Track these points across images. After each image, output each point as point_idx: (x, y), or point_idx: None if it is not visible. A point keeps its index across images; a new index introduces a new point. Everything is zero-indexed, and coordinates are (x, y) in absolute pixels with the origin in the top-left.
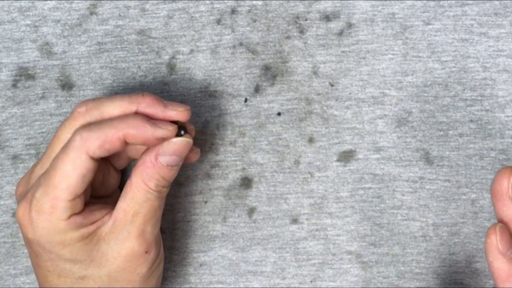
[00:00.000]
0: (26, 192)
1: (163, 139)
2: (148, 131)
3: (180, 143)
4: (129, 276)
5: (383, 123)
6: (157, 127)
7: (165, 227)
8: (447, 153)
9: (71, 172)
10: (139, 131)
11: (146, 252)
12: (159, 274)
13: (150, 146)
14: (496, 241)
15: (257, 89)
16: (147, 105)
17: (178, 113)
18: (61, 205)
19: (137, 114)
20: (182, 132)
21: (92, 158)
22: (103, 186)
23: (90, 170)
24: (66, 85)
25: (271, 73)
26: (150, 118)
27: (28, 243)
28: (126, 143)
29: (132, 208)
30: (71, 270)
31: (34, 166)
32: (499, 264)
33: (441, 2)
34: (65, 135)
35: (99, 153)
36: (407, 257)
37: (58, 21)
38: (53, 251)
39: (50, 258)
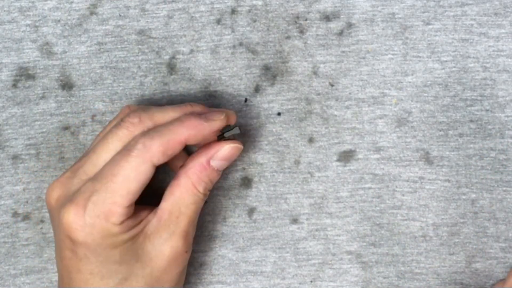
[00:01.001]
0: (62, 198)
1: (218, 131)
2: (206, 128)
3: (232, 149)
4: (169, 276)
5: (383, 123)
6: (211, 120)
7: None
8: (447, 153)
9: (133, 179)
10: (199, 130)
11: (186, 251)
12: (185, 275)
13: (207, 141)
14: None
15: (257, 89)
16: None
17: (222, 121)
18: (119, 211)
19: (187, 114)
20: (238, 131)
21: (154, 165)
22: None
23: (150, 177)
24: (66, 85)
25: (271, 73)
26: (200, 114)
27: (73, 247)
28: (185, 144)
29: (178, 209)
30: (116, 271)
31: (75, 170)
32: None
33: (441, 2)
34: (115, 143)
35: (162, 159)
36: (407, 257)
37: (58, 21)
38: (103, 253)
39: (98, 260)
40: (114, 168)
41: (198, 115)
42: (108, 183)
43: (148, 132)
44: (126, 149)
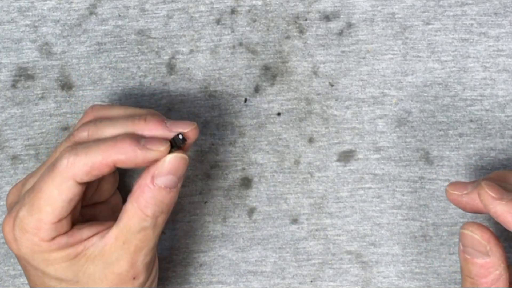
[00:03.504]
0: (13, 203)
1: (155, 161)
2: (138, 156)
3: (174, 161)
4: None
5: (383, 123)
6: (147, 150)
7: (165, 227)
8: (447, 153)
9: (57, 197)
10: (129, 157)
11: (134, 278)
12: None
13: (141, 167)
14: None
15: (257, 89)
16: (149, 131)
17: (185, 133)
18: (45, 227)
19: (126, 135)
20: (180, 137)
21: (79, 183)
22: (98, 193)
23: (76, 194)
24: (66, 85)
25: (271, 73)
26: (141, 137)
27: (16, 256)
28: (115, 166)
29: (124, 236)
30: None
31: (29, 177)
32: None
33: (441, 2)
34: None
35: (86, 179)
36: (407, 257)
37: (58, 21)
38: (38, 268)
39: (36, 274)
40: (39, 183)
41: (137, 138)
42: (34, 199)
43: (76, 148)
44: (53, 164)
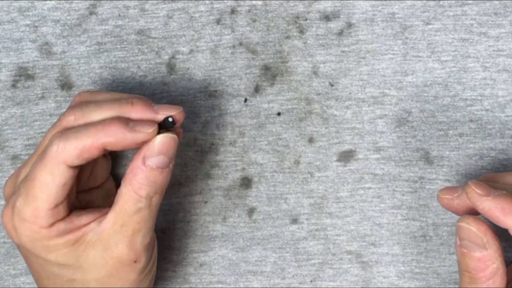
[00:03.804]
0: (10, 194)
1: (144, 143)
2: (127, 138)
3: (164, 141)
4: (117, 282)
5: (383, 123)
6: (136, 132)
7: (165, 227)
8: (447, 153)
9: (50, 183)
10: (118, 139)
11: (135, 261)
12: (151, 278)
13: (131, 149)
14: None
15: (257, 89)
16: (136, 113)
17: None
18: (42, 214)
19: (114, 118)
20: (170, 120)
21: (71, 167)
22: (92, 178)
23: (70, 178)
24: (66, 85)
25: (271, 73)
26: (129, 120)
27: (17, 246)
28: (105, 149)
29: (121, 219)
30: (60, 274)
31: (22, 167)
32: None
33: (441, 2)
34: None
35: (77, 162)
36: (407, 257)
37: (58, 21)
38: (39, 256)
39: (38, 262)
40: (33, 172)
41: (126, 121)
42: (29, 188)
43: (65, 133)
44: (43, 151)
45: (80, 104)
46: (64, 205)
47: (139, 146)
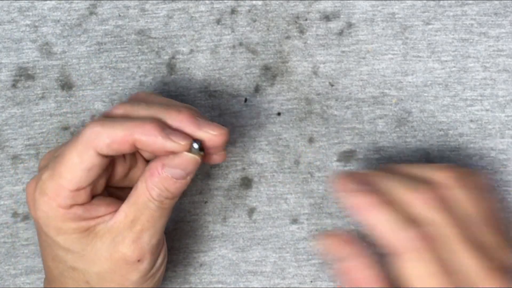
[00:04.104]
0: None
1: (172, 152)
2: (158, 142)
3: (186, 158)
4: (118, 279)
5: (383, 123)
6: (168, 140)
7: (165, 228)
8: (447, 153)
9: (77, 165)
10: (149, 140)
11: (139, 260)
12: (155, 283)
13: (159, 155)
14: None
15: (257, 89)
16: (179, 122)
17: (211, 137)
18: (64, 194)
19: (155, 120)
20: (196, 146)
21: (100, 155)
22: (128, 178)
23: (97, 165)
24: (66, 85)
25: (271, 73)
26: (167, 126)
27: (34, 222)
28: (136, 147)
29: (133, 213)
30: (63, 258)
31: (63, 144)
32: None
33: (441, 2)
34: None
35: (106, 151)
36: None
37: (58, 21)
38: (48, 235)
39: (46, 241)
40: (63, 151)
41: (163, 126)
42: (57, 165)
43: (103, 120)
44: (78, 132)
45: (132, 101)
46: (86, 191)
47: (166, 154)
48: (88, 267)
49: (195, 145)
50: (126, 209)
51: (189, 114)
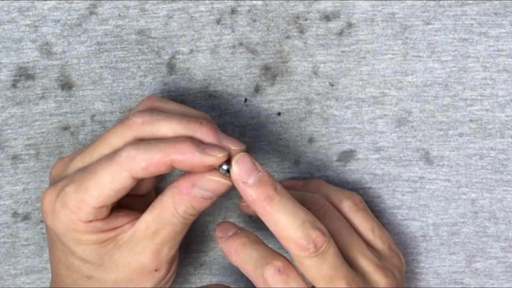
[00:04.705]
0: (57, 177)
1: (211, 166)
2: (196, 159)
3: (217, 182)
4: (134, 286)
5: (383, 123)
6: (206, 154)
7: None
8: (447, 153)
9: (107, 184)
10: (187, 158)
11: (156, 270)
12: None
13: (198, 171)
14: (216, 233)
15: (257, 89)
16: (202, 134)
17: (231, 151)
18: (86, 209)
19: (187, 138)
20: (225, 167)
21: (133, 178)
22: (139, 187)
23: (127, 187)
24: (66, 85)
25: (271, 73)
26: (200, 142)
27: (47, 228)
28: (172, 167)
29: (155, 225)
30: (79, 267)
31: (76, 154)
32: (222, 246)
33: (441, 2)
34: (114, 139)
35: (142, 174)
36: (407, 257)
37: (58, 21)
38: (66, 245)
39: (63, 249)
40: (95, 167)
41: (197, 142)
42: (84, 180)
43: (138, 143)
44: (113, 153)
45: (150, 109)
46: (108, 208)
47: (205, 170)
48: (105, 275)
49: (224, 167)
50: (149, 220)
51: (210, 127)
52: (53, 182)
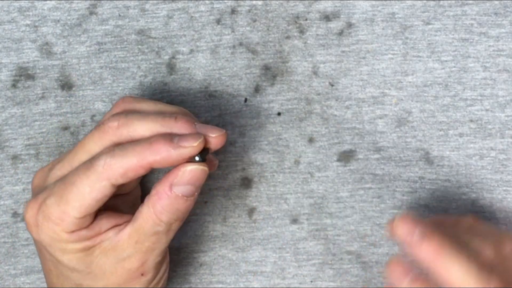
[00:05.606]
0: (38, 188)
1: (190, 157)
2: (173, 155)
3: (195, 172)
4: None
5: (383, 123)
6: (181, 148)
7: None
8: (447, 153)
9: (87, 195)
10: (163, 157)
11: (142, 275)
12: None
13: (176, 165)
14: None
15: (257, 89)
16: (179, 129)
17: (210, 139)
18: (69, 220)
19: (159, 136)
20: (197, 158)
21: (112, 185)
22: (122, 187)
23: (108, 195)
24: (66, 85)
25: (271, 73)
26: (173, 135)
27: (34, 240)
28: (152, 167)
29: (138, 236)
30: (69, 276)
31: (56, 163)
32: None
33: (441, 2)
34: (92, 145)
35: (121, 181)
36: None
37: (58, 21)
38: (53, 255)
39: (51, 260)
40: (73, 178)
41: (170, 138)
42: (64, 191)
43: (114, 150)
44: (90, 162)
45: (124, 111)
46: (91, 216)
47: (186, 161)
48: (94, 283)
49: (196, 158)
50: (131, 231)
51: (185, 120)
52: (35, 193)
